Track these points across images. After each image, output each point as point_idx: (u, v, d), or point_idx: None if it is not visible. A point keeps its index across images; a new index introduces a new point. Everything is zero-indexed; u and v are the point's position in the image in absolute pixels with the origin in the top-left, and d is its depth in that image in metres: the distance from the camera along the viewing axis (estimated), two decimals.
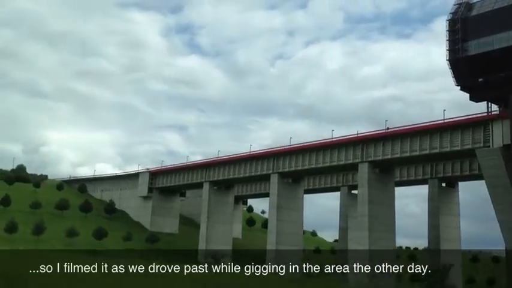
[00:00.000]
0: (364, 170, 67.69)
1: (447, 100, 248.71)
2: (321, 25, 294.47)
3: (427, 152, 62.16)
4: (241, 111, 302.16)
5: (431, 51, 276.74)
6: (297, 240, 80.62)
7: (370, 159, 67.35)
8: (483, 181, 77.83)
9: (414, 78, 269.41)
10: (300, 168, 76.31)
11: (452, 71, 55.55)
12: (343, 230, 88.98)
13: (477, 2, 55.91)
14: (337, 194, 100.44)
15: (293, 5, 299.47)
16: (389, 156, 65.69)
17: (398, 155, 64.86)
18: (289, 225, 79.11)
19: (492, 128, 55.42)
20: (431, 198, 78.18)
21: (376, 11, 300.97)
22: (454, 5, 56.79)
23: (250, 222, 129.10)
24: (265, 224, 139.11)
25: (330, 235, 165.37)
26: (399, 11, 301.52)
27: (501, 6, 52.63)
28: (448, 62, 55.48)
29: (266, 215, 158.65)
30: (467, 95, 57.21)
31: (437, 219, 77.10)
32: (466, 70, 54.51)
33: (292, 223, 79.66)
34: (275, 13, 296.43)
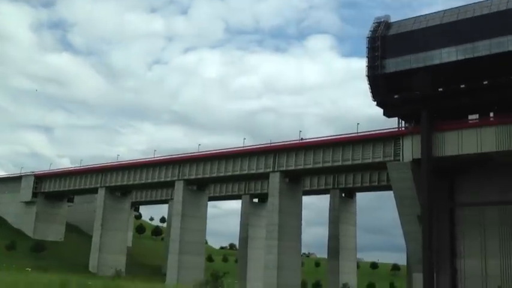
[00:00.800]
0: (275, 179, 67.86)
1: (317, 115, 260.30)
2: (201, 33, 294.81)
3: (339, 163, 63.79)
4: (115, 114, 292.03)
5: (304, 67, 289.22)
6: (199, 249, 78.99)
7: (282, 169, 67.70)
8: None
9: (287, 92, 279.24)
10: (208, 175, 74.79)
11: (370, 86, 57.44)
12: (244, 239, 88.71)
13: (396, 22, 58.58)
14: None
15: (174, 10, 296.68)
16: (301, 167, 66.50)
17: (311, 166, 65.85)
18: (193, 234, 77.15)
19: (403, 143, 58.13)
20: (332, 208, 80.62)
21: (256, 25, 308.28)
22: (374, 22, 59.00)
23: (140, 229, 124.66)
24: (155, 231, 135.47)
25: (214, 242, 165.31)
26: (277, 27, 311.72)
27: (419, 28, 55.58)
28: (366, 77, 57.36)
29: (155, 223, 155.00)
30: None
31: (337, 229, 79.67)
32: (383, 87, 56.67)
33: (196, 231, 77.85)
34: (155, 17, 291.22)
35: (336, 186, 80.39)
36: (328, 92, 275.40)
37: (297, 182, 70.60)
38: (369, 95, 57.90)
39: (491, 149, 51.94)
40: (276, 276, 64.81)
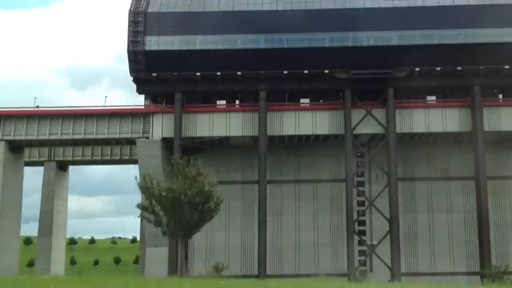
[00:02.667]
0: None
1: None
2: None
3: (81, 136, 62.23)
4: None
5: None
6: None
7: (8, 138, 61.87)
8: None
9: None
10: None
11: (130, 61, 58.23)
12: None
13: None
14: None
15: None
16: (34, 137, 62.19)
17: (45, 137, 62.18)
18: None
19: (153, 121, 60.87)
20: (47, 182, 76.87)
21: None
22: None
23: None
24: None
25: None
26: None
27: (183, 11, 58.88)
28: (127, 52, 57.95)
29: None
30: None
31: (52, 204, 76.62)
32: (143, 63, 58.19)
33: None
34: None
35: (52, 159, 76.80)
36: None
37: (20, 153, 65.56)
38: None
39: (238, 133, 59.78)
40: None
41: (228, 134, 59.69)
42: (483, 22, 55.83)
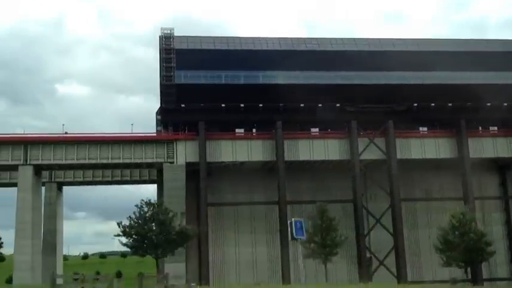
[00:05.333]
0: (27, 173, 68.11)
1: None
2: None
3: (107, 161, 70.23)
4: None
5: None
6: None
7: (36, 162, 68.58)
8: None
9: None
10: None
11: (162, 94, 67.32)
12: None
13: (182, 36, 69.73)
14: None
15: None
16: (62, 162, 69.52)
17: (74, 161, 69.71)
18: None
19: (176, 147, 70.19)
20: (48, 202, 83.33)
21: None
22: (163, 34, 68.85)
23: None
24: None
25: None
26: None
27: (209, 48, 68.60)
28: (160, 85, 67.02)
29: None
30: None
31: (55, 224, 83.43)
32: (174, 95, 67.47)
33: None
34: None
35: (52, 180, 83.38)
36: None
37: (39, 176, 72.29)
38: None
39: (259, 159, 70.43)
40: (30, 277, 66.22)
41: (249, 159, 70.18)
42: (466, 66, 69.95)
